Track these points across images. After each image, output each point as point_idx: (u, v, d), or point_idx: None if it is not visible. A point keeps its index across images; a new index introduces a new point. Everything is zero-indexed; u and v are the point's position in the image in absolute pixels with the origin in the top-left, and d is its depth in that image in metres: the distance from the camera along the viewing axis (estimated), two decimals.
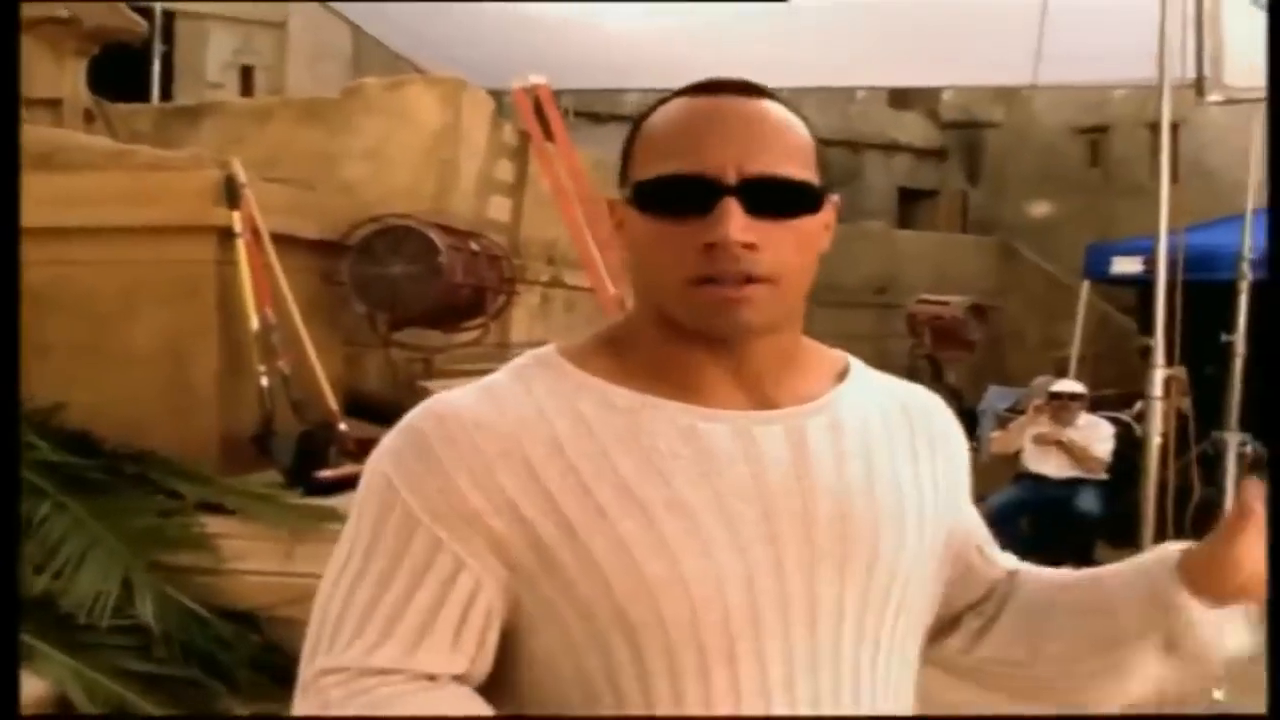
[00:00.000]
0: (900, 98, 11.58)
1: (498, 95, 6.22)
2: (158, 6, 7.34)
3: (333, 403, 3.95)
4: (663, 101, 0.95)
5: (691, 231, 0.88)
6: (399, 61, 9.09)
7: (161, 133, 5.56)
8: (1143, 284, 6.71)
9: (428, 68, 8.26)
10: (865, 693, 0.93)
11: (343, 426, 3.87)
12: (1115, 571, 1.04)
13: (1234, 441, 4.21)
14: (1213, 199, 8.24)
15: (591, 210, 6.03)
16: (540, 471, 0.88)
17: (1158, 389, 3.12)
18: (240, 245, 3.90)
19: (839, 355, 1.06)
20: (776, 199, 0.88)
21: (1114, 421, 5.79)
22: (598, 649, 0.88)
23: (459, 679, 0.89)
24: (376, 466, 0.92)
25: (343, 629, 0.88)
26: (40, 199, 3.96)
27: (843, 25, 6.58)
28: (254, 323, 3.87)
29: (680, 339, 0.93)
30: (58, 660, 2.65)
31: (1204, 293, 4.73)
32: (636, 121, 0.96)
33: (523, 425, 0.89)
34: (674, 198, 0.89)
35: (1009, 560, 1.12)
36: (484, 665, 0.91)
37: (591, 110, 10.02)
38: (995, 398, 7.28)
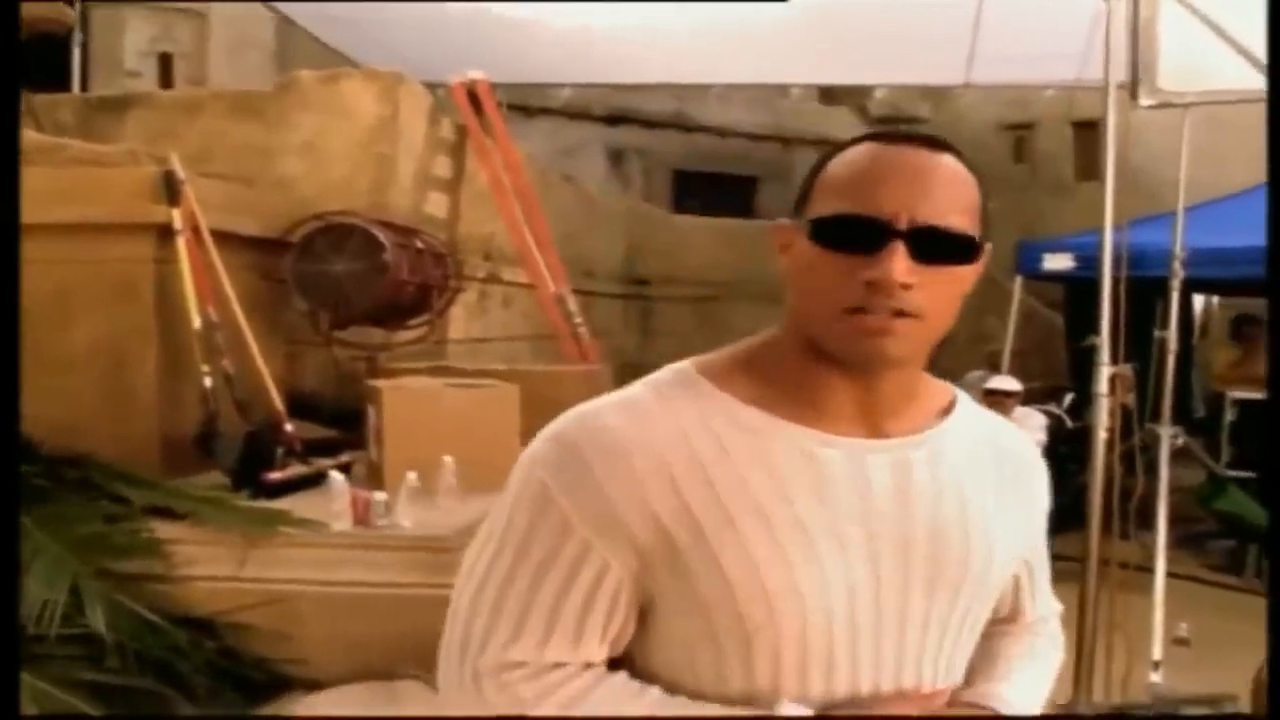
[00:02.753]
0: (830, 94, 11.74)
1: (432, 88, 6.18)
2: None
3: (278, 402, 3.91)
4: (850, 143, 1.02)
5: (857, 266, 0.95)
6: (325, 52, 8.99)
7: (85, 125, 5.43)
8: (1071, 280, 6.96)
9: (361, 61, 8.19)
10: (935, 676, 1.06)
11: (289, 427, 3.83)
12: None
13: (1166, 434, 4.38)
14: (1140, 197, 8.55)
15: (529, 206, 6.05)
16: (682, 486, 0.97)
17: (1104, 385, 3.25)
18: (181, 243, 3.84)
19: (948, 389, 1.14)
20: (939, 248, 0.96)
21: (1045, 414, 5.99)
22: (713, 644, 0.99)
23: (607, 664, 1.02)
24: (531, 473, 1.01)
25: (500, 623, 0.99)
26: None
27: (778, 24, 6.67)
28: (196, 322, 3.82)
29: (817, 366, 1.01)
30: None
31: (1139, 290, 4.91)
32: (822, 159, 1.03)
33: (668, 443, 0.98)
34: (847, 235, 0.96)
35: (1031, 610, 1.23)
36: (621, 647, 1.03)
37: (524, 104, 9.99)
38: None
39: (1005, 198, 11.22)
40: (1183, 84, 4.44)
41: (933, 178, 0.97)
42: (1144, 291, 4.56)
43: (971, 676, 1.12)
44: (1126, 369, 3.41)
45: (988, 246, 1.03)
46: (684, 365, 1.06)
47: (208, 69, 9.39)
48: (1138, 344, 4.69)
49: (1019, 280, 7.04)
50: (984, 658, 1.15)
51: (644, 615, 1.03)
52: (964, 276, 1.00)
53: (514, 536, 1.01)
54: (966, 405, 1.14)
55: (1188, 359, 8.37)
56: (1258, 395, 6.56)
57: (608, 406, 1.02)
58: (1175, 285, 4.45)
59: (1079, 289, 6.62)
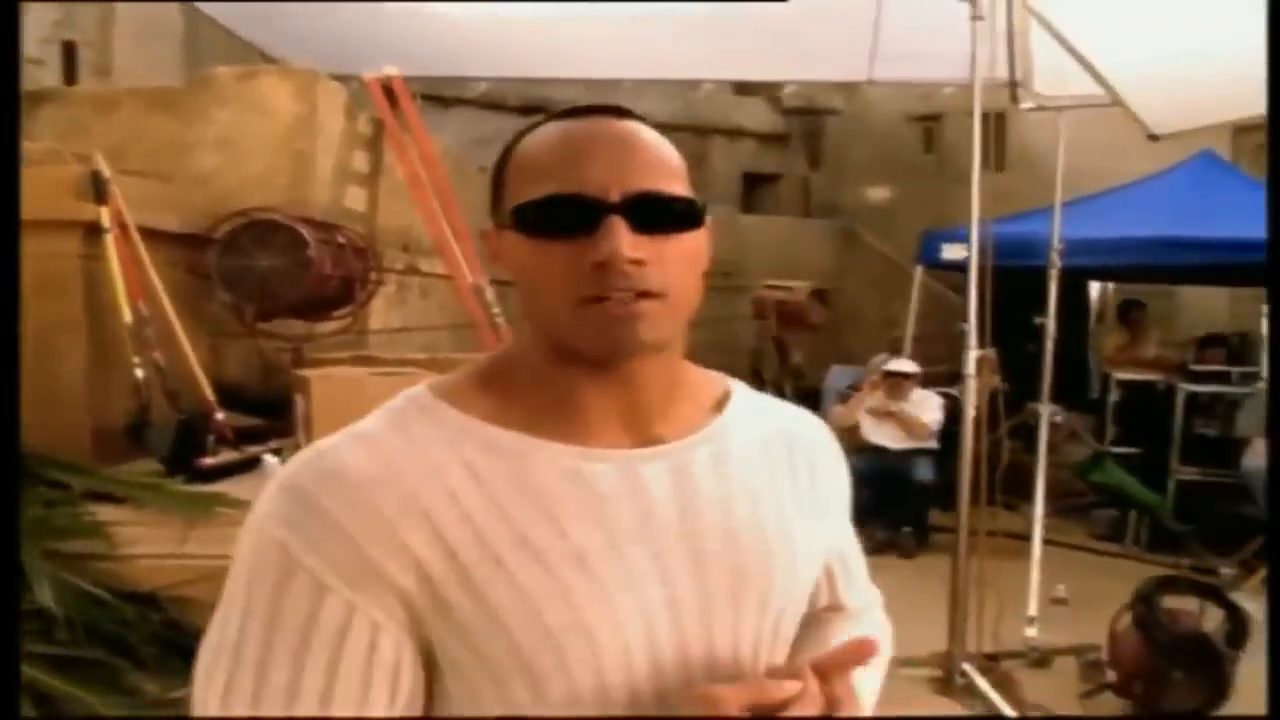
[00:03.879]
0: (744, 86, 12.15)
1: (344, 79, 6.42)
2: None
3: (209, 392, 4.17)
4: (530, 130, 0.96)
5: (578, 251, 0.88)
6: (234, 42, 9.14)
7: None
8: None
9: (271, 52, 8.36)
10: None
11: (219, 415, 4.09)
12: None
13: (1046, 412, 4.86)
14: (1038, 185, 9.11)
15: (446, 199, 6.32)
16: (439, 523, 0.87)
17: (971, 368, 3.66)
18: (109, 240, 4.07)
19: (719, 380, 1.09)
20: (661, 215, 0.90)
21: (944, 396, 6.46)
22: (503, 697, 0.89)
23: None
24: (265, 533, 0.88)
25: (268, 697, 0.85)
26: None
27: (686, 20, 7.02)
28: (127, 316, 4.05)
29: (568, 372, 0.94)
30: None
31: (1030, 278, 5.37)
32: (506, 149, 0.96)
33: (415, 477, 0.88)
34: (557, 218, 0.89)
35: (850, 600, 1.17)
36: (417, 709, 0.91)
37: (438, 95, 10.22)
38: (837, 376, 7.91)
39: (916, 186, 11.78)
40: (1058, 88, 4.92)
41: (635, 144, 0.92)
42: (1038, 279, 5.03)
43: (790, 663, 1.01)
44: (991, 352, 3.83)
45: (708, 219, 0.98)
46: (418, 390, 0.97)
47: (113, 58, 9.46)
48: (1030, 329, 5.18)
49: (919, 270, 7.51)
50: (802, 647, 1.06)
51: (437, 675, 0.91)
52: (696, 248, 0.95)
53: (259, 612, 0.86)
54: (744, 395, 1.08)
55: (1084, 343, 8.98)
56: (1140, 377, 7.13)
57: (341, 444, 0.91)
58: (1054, 275, 4.92)
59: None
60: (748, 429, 1.04)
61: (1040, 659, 4.06)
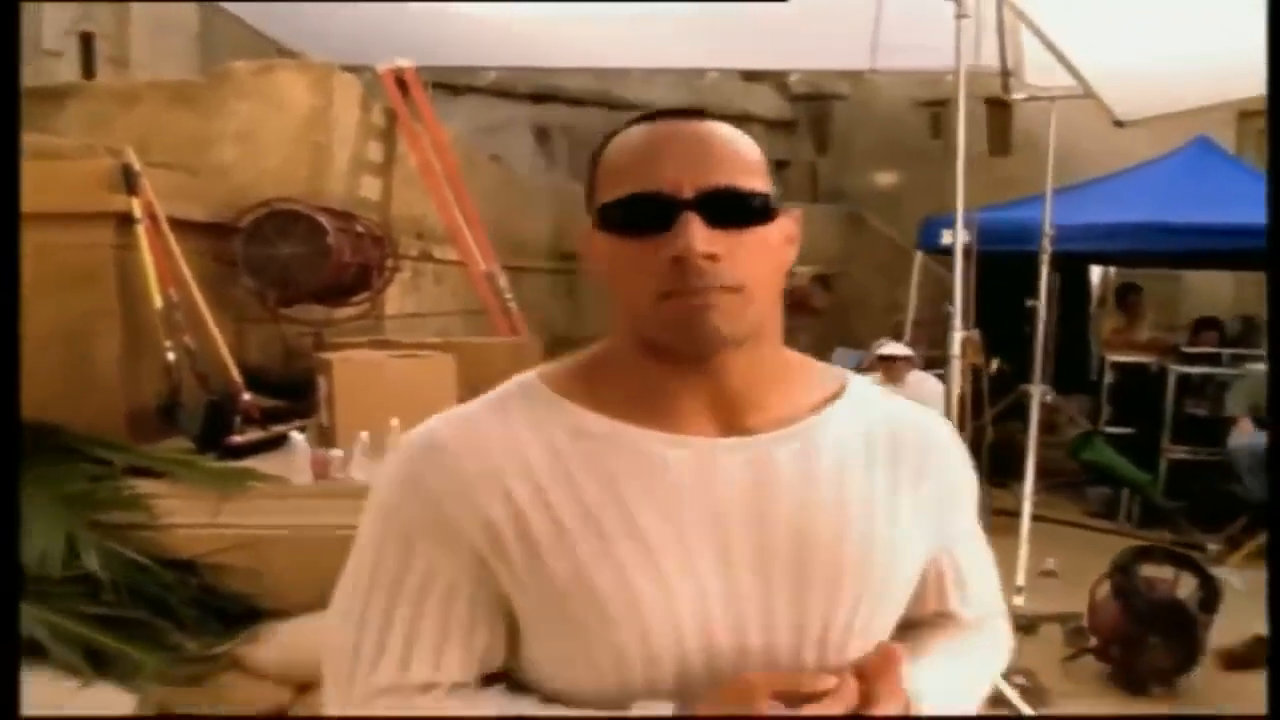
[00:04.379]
0: (752, 72, 12.36)
1: (357, 70, 6.66)
2: None
3: (236, 375, 4.44)
4: (616, 134, 1.03)
5: (656, 248, 0.94)
6: (248, 35, 9.39)
7: (28, 114, 5.82)
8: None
9: (285, 44, 8.60)
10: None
11: (246, 396, 4.36)
12: None
13: (1037, 392, 5.09)
14: (1043, 170, 9.32)
15: (458, 187, 6.57)
16: (514, 493, 0.96)
17: (956, 349, 3.90)
18: (140, 230, 4.33)
19: (837, 375, 1.11)
20: (734, 210, 0.95)
21: (943, 378, 6.69)
22: (560, 658, 0.99)
23: (482, 678, 1.02)
24: (377, 496, 1.02)
25: (363, 652, 0.99)
26: None
27: (695, 13, 7.27)
28: (158, 302, 4.32)
29: (654, 361, 1.00)
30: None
31: (1030, 262, 5.60)
32: (594, 154, 1.03)
33: (500, 450, 0.98)
34: (636, 216, 0.95)
35: (961, 607, 1.15)
36: (498, 659, 1.02)
37: (450, 83, 10.46)
38: (841, 359, 8.14)
39: (923, 171, 11.97)
40: (1049, 79, 5.15)
41: (709, 142, 0.97)
42: (1035, 264, 5.26)
43: None
44: (975, 334, 4.06)
45: (794, 211, 1.04)
46: (528, 376, 1.06)
47: (130, 50, 9.72)
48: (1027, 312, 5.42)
49: (919, 255, 7.73)
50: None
51: (513, 625, 1.01)
52: (773, 240, 1.00)
53: (365, 561, 1.02)
54: (859, 392, 1.10)
55: (1085, 327, 9.20)
56: (1134, 359, 7.37)
57: (445, 420, 1.03)
58: (1044, 260, 5.15)
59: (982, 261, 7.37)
60: (849, 426, 1.05)
61: (1027, 625, 4.30)
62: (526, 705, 0.99)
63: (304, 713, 3.03)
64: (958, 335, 3.84)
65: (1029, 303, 5.13)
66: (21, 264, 4.40)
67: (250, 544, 3.43)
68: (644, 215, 0.95)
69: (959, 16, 3.90)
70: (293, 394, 4.74)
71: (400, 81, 6.57)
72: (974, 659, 1.15)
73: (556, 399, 1.02)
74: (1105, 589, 4.11)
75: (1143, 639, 3.92)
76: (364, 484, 3.64)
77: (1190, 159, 7.44)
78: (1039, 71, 5.02)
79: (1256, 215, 3.32)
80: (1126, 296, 8.09)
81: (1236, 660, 4.05)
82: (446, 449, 0.99)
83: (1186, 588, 4.05)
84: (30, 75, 7.54)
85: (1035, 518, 4.85)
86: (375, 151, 6.52)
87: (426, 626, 0.98)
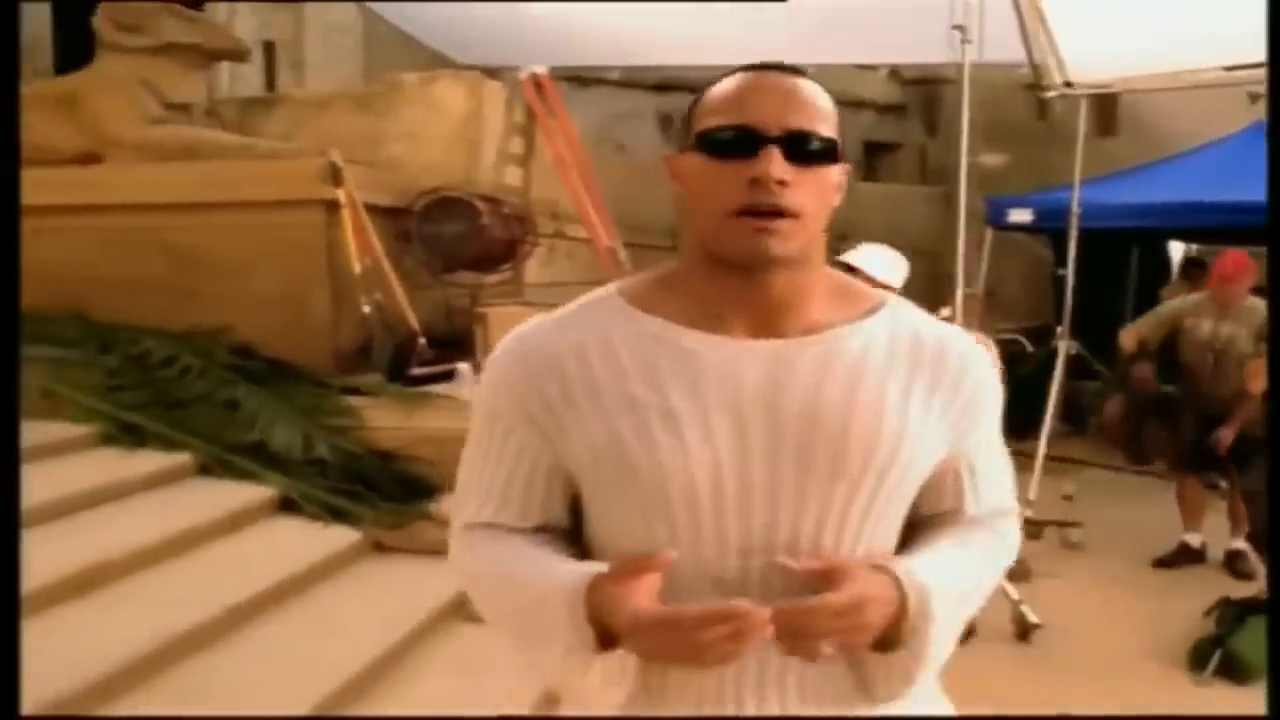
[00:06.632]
0: None
1: (498, 72, 8.00)
2: None
3: (415, 324, 5.92)
4: (718, 80, 1.23)
5: (739, 170, 1.14)
6: (402, 38, 10.94)
7: (244, 119, 7.42)
8: (1032, 230, 8.75)
9: (434, 45, 10.10)
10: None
11: (422, 341, 5.85)
12: None
13: (1063, 346, 6.22)
14: (1148, 148, 10.21)
15: (586, 175, 7.89)
16: (569, 378, 1.22)
17: (959, 306, 5.06)
18: (345, 214, 5.84)
19: (876, 296, 1.29)
20: (807, 150, 1.15)
21: (1008, 342, 7.79)
22: (602, 511, 1.25)
23: (541, 529, 1.28)
24: (482, 378, 1.32)
25: (459, 497, 1.33)
26: (186, 183, 5.95)
27: (786, 14, 8.41)
28: (357, 269, 5.83)
29: (713, 274, 1.21)
30: (276, 479, 4.62)
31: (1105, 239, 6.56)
32: (696, 98, 1.23)
33: (565, 343, 1.23)
34: (729, 143, 1.15)
35: (973, 505, 1.31)
36: (559, 518, 1.29)
37: (579, 76, 11.82)
38: None
39: (1028, 152, 12.87)
40: (1079, 76, 6.21)
41: (795, 92, 1.17)
42: (1119, 241, 6.30)
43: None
44: (978, 290, 5.24)
45: (845, 165, 1.22)
46: (609, 286, 1.29)
47: (304, 53, 11.42)
48: (1112, 286, 6.51)
49: (989, 231, 8.79)
50: (910, 547, 1.26)
51: (580, 493, 1.26)
52: (830, 181, 1.19)
53: (472, 433, 1.31)
54: (896, 309, 1.27)
55: (1154, 300, 10.10)
56: None
57: (527, 324, 1.29)
58: (1073, 235, 6.27)
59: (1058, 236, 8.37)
60: (876, 335, 1.23)
61: (1034, 531, 5.45)
62: (542, 555, 1.23)
63: None
64: (960, 292, 5.00)
65: (1059, 271, 6.25)
66: (253, 240, 5.96)
67: (431, 439, 4.88)
68: (736, 143, 1.15)
69: (964, 42, 5.02)
70: (452, 343, 6.19)
71: (537, 85, 7.94)
72: (977, 550, 1.29)
73: (623, 304, 1.26)
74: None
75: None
76: None
77: (1248, 140, 8.30)
78: (1072, 70, 6.06)
79: None
80: (1189, 271, 8.97)
81: None
82: (521, 345, 1.26)
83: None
84: (229, 82, 9.27)
85: (1055, 458, 6.01)
86: (517, 145, 7.89)
87: (497, 480, 1.27)
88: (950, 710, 1.35)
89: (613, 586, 1.11)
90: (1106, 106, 11.55)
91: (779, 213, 1.14)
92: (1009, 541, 1.35)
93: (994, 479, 1.32)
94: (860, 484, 1.17)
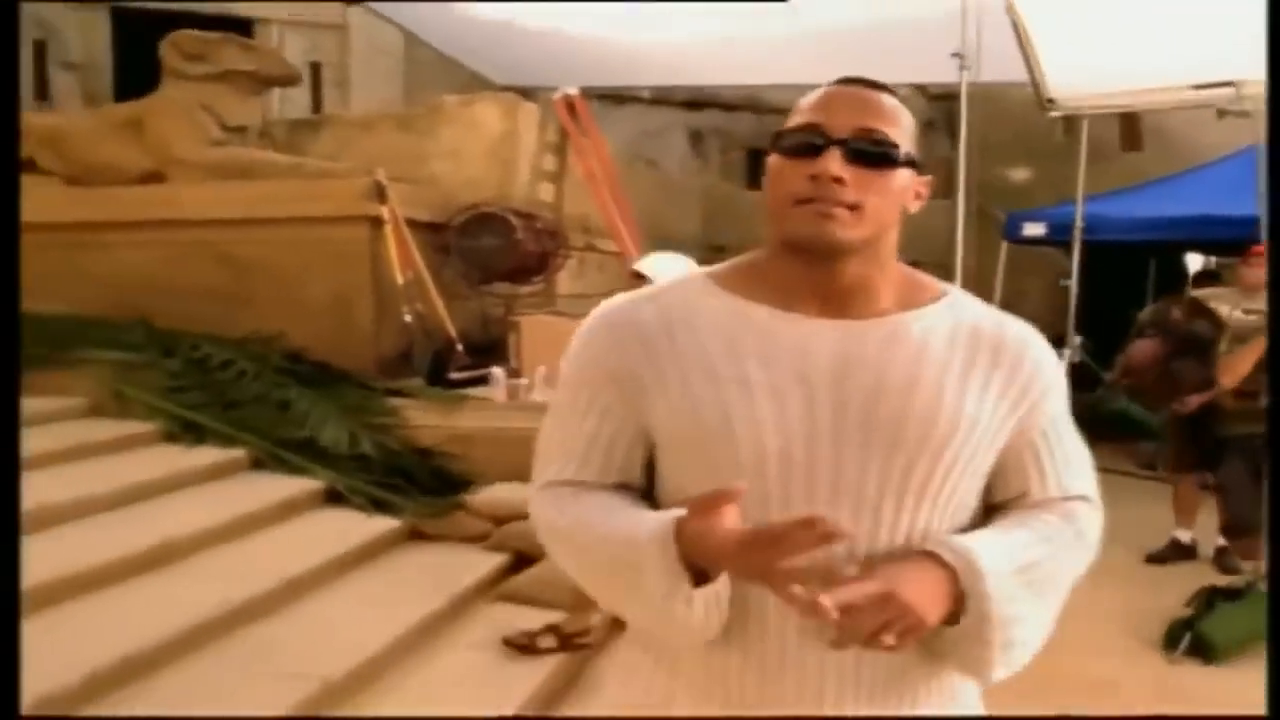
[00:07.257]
0: None
1: (526, 92, 8.40)
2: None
3: (453, 332, 6.35)
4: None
5: (806, 167, 1.25)
6: (440, 59, 11.43)
7: (294, 139, 7.90)
8: (1043, 244, 9.05)
9: (471, 66, 10.55)
10: (884, 534, 1.26)
11: (459, 347, 6.27)
12: None
13: (1067, 353, 6.55)
14: (1175, 161, 10.48)
15: (616, 191, 8.28)
16: (653, 349, 1.32)
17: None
18: (388, 229, 6.28)
19: (939, 287, 1.38)
20: (868, 152, 1.25)
21: None
22: (678, 472, 1.33)
23: (620, 486, 1.36)
24: (570, 347, 1.40)
25: (541, 457, 1.42)
26: (243, 200, 6.42)
27: (801, 34, 8.78)
28: (399, 280, 6.26)
29: (787, 261, 1.31)
30: (323, 472, 5.06)
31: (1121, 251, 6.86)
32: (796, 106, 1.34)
33: (651, 316, 1.34)
34: (799, 144, 1.27)
35: (1040, 490, 1.36)
36: (636, 478, 1.38)
37: (612, 94, 12.24)
38: None
39: (1052, 167, 13.12)
40: (1079, 96, 6.54)
41: (867, 102, 1.28)
42: (1137, 252, 6.60)
43: None
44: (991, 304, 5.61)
45: (926, 176, 1.32)
46: (698, 270, 1.41)
47: (350, 73, 11.94)
48: (1130, 296, 6.83)
49: (1004, 245, 9.10)
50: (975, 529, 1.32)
51: (656, 454, 1.35)
52: (897, 184, 1.28)
53: (560, 390, 1.41)
54: (956, 301, 1.36)
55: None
56: None
57: (618, 298, 1.40)
58: (1076, 248, 6.60)
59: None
60: (939, 322, 1.32)
61: None
62: (624, 507, 1.32)
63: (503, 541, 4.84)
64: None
65: (1062, 282, 6.59)
66: (304, 254, 6.40)
67: (465, 439, 5.30)
68: (804, 143, 1.26)
69: (963, 69, 5.38)
70: (487, 349, 6.61)
71: (569, 105, 8.35)
72: (1040, 527, 1.32)
73: (709, 284, 1.36)
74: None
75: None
76: (542, 403, 5.50)
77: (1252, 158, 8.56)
78: (1069, 90, 6.39)
79: None
80: (1201, 282, 9.22)
81: None
82: (609, 317, 1.37)
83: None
84: (279, 103, 9.78)
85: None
86: (550, 163, 8.32)
87: (581, 440, 1.36)
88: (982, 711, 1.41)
89: (697, 523, 1.18)
90: (1131, 122, 11.80)
91: (840, 204, 1.24)
92: (1079, 526, 1.36)
93: (1063, 463, 1.37)
94: (918, 458, 1.25)
